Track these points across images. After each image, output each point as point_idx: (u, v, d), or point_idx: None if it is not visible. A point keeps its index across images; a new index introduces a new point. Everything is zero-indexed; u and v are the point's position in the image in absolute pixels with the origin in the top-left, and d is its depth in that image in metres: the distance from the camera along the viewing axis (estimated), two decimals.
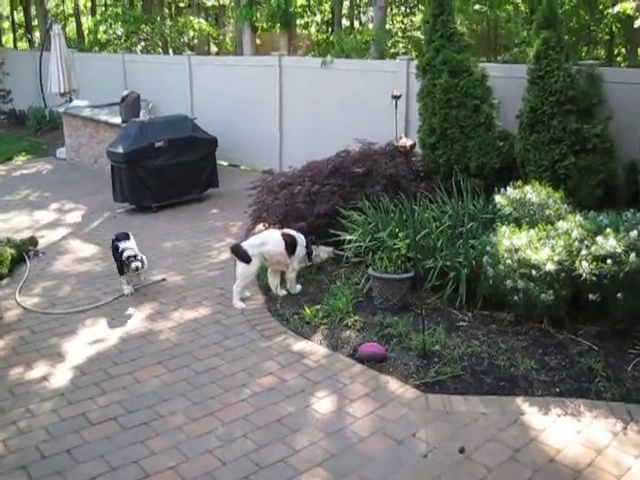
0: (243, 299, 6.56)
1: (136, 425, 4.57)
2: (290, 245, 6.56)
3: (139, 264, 6.61)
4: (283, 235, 6.61)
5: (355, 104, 10.15)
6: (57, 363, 5.47)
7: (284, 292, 6.67)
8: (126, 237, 6.98)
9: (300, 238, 6.69)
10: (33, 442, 4.40)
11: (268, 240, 6.57)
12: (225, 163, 12.51)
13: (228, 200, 10.39)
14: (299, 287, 6.74)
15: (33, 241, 8.25)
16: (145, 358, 5.52)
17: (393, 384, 5.02)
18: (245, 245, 6.57)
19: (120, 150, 9.68)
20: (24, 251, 7.94)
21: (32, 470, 4.11)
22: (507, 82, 7.85)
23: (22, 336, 5.96)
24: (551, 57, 6.84)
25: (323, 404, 4.79)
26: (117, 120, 11.68)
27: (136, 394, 4.97)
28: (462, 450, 4.23)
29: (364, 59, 13.24)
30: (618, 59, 17.09)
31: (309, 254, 6.81)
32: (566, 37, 7.10)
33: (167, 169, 9.88)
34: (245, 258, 6.46)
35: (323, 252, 7.25)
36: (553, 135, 6.88)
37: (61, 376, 5.26)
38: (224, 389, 5.01)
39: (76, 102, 13.88)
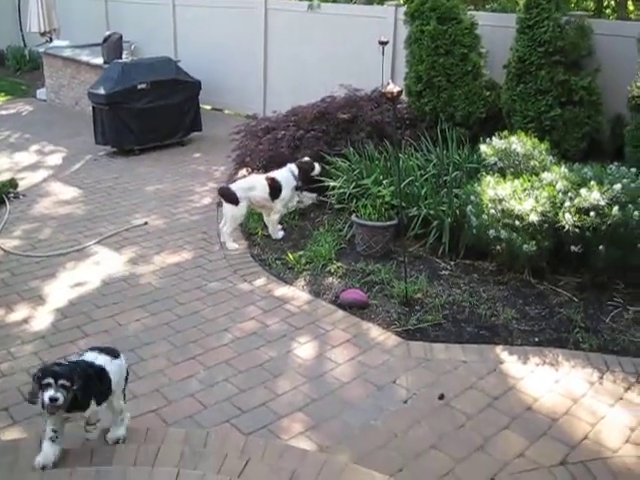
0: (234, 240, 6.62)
1: None
2: (273, 189, 6.56)
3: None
4: (267, 179, 6.61)
5: (341, 49, 10.00)
6: (38, 306, 5.45)
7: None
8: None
9: (285, 179, 6.67)
10: (15, 384, 4.40)
11: (255, 184, 6.60)
12: (208, 107, 12.34)
13: (211, 144, 10.28)
14: (281, 233, 6.74)
15: (13, 183, 8.14)
16: (127, 301, 5.51)
17: (374, 331, 5.06)
18: (234, 187, 6.57)
19: (102, 91, 9.51)
20: (4, 193, 7.85)
21: (14, 412, 4.12)
22: (496, 31, 7.77)
23: (2, 278, 5.93)
24: (541, 6, 6.76)
25: (305, 349, 4.83)
26: (99, 61, 11.43)
27: (118, 337, 4.97)
28: (442, 397, 4.28)
29: (352, 4, 13.02)
30: (607, 11, 16.91)
31: (309, 176, 6.86)
32: None
33: (150, 112, 9.73)
34: (233, 200, 6.48)
35: (307, 198, 7.26)
36: (540, 86, 6.84)
37: (42, 319, 5.25)
38: (206, 333, 5.03)
39: (57, 42, 13.57)
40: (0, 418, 4.07)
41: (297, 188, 6.82)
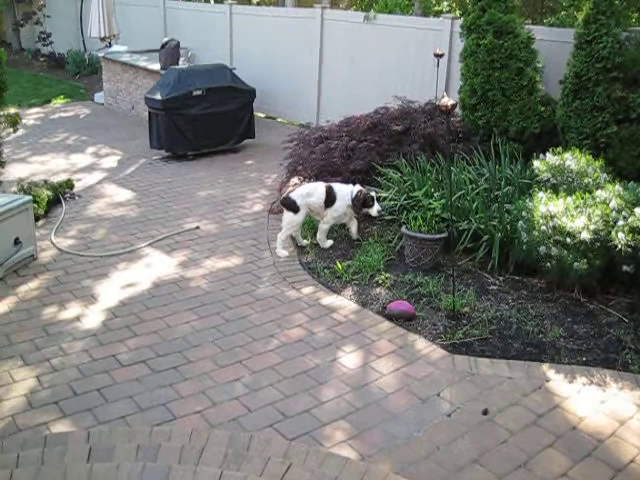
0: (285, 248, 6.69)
1: (165, 369, 4.66)
2: (329, 197, 6.61)
3: None
4: (326, 187, 6.68)
5: (396, 61, 10.03)
6: (90, 304, 5.57)
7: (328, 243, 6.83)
8: None
9: (342, 193, 6.65)
10: (65, 380, 4.51)
11: (313, 191, 6.65)
12: (262, 115, 12.48)
13: (264, 152, 10.38)
14: (329, 242, 6.77)
15: (69, 184, 8.34)
16: (176, 304, 5.60)
17: (420, 343, 5.05)
18: (293, 195, 6.63)
19: (158, 97, 9.69)
20: (60, 193, 8.05)
21: (64, 406, 4.22)
22: (553, 46, 7.71)
23: (56, 276, 6.07)
24: (600, 22, 6.67)
25: (350, 358, 4.84)
26: (156, 67, 11.66)
27: (166, 338, 5.05)
28: (486, 412, 4.25)
29: (408, 15, 13.03)
30: None
31: (361, 205, 6.65)
32: (617, 1, 6.90)
33: (204, 118, 9.88)
34: (293, 208, 6.56)
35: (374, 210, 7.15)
36: (596, 102, 6.74)
37: (93, 317, 5.36)
38: (253, 338, 5.08)
39: (115, 47, 13.89)
40: (51, 411, 4.17)
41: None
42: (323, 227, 6.73)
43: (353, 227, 6.85)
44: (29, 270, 6.17)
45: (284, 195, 6.89)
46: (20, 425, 4.04)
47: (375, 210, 6.64)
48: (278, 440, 3.95)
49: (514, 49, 7.38)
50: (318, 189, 6.67)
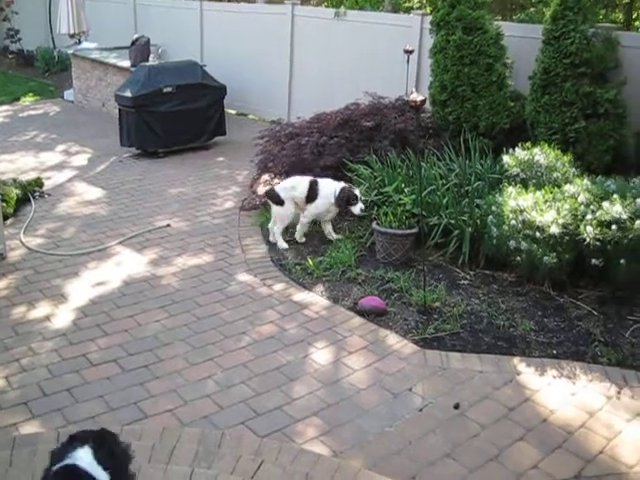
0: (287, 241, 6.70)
1: (136, 367, 4.63)
2: (311, 191, 6.56)
3: None
4: (310, 181, 6.63)
5: (367, 58, 10.04)
6: (60, 304, 5.51)
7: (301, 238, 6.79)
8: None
9: (326, 190, 6.53)
10: (35, 380, 4.45)
11: (297, 185, 6.62)
12: (233, 112, 12.42)
13: (235, 149, 10.34)
14: (300, 236, 6.77)
15: (39, 182, 8.24)
16: (147, 302, 5.56)
17: (392, 338, 5.07)
18: (277, 188, 6.65)
19: (128, 94, 9.61)
20: (29, 192, 7.94)
21: (33, 407, 4.18)
22: (522, 42, 7.77)
23: (26, 276, 6.00)
24: (568, 18, 6.74)
25: (322, 355, 4.84)
26: (126, 64, 11.56)
27: (137, 337, 5.02)
28: (457, 406, 4.28)
29: (378, 12, 13.05)
30: (637, 23, 16.81)
31: (345, 204, 6.50)
32: None
33: (175, 115, 9.81)
34: (278, 200, 6.57)
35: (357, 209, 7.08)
36: (565, 98, 6.81)
37: (63, 317, 5.31)
38: (224, 335, 5.06)
39: (85, 44, 13.76)
40: (20, 412, 4.12)
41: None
42: (303, 221, 6.69)
43: (329, 226, 6.78)
44: None
45: (269, 188, 6.89)
46: None
47: (358, 208, 6.49)
48: (250, 437, 3.94)
49: (483, 45, 7.43)
50: (302, 183, 6.63)
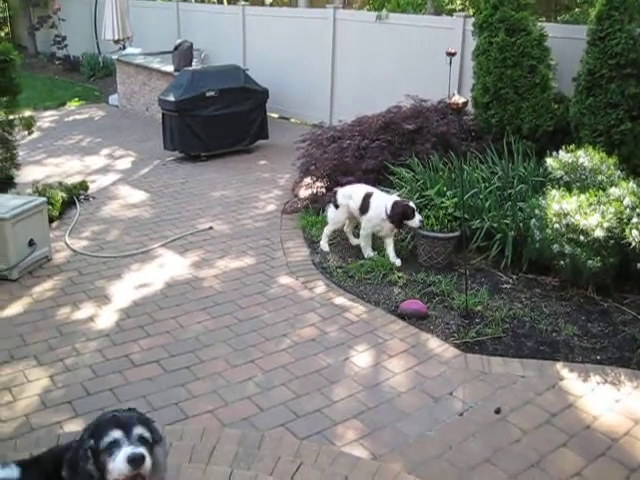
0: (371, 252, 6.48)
1: (178, 368, 4.67)
2: (364, 204, 6.38)
3: None
4: (365, 193, 6.42)
5: (409, 60, 10.01)
6: (103, 305, 5.60)
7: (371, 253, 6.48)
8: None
9: (377, 203, 6.28)
10: (78, 379, 4.53)
11: (353, 194, 6.49)
12: (275, 115, 12.50)
13: (277, 152, 10.39)
14: (369, 252, 6.45)
15: (84, 185, 8.38)
16: (189, 304, 5.62)
17: (433, 342, 5.04)
18: (339, 190, 6.58)
19: (172, 98, 9.73)
20: (75, 195, 8.08)
21: (77, 405, 4.24)
22: (566, 43, 7.65)
23: (70, 277, 6.10)
24: (614, 18, 6.62)
25: (362, 358, 4.83)
26: (169, 68, 11.71)
27: (179, 338, 5.07)
28: (498, 411, 4.23)
29: (420, 14, 13.00)
30: None
31: (400, 219, 6.17)
32: None
33: (217, 119, 9.90)
34: (334, 202, 6.54)
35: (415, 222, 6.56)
36: (610, 99, 6.70)
37: (107, 318, 5.38)
38: (265, 338, 5.08)
39: (129, 49, 13.95)
40: (64, 411, 4.19)
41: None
42: (362, 233, 6.48)
43: (389, 247, 6.39)
44: (43, 271, 6.21)
45: (335, 189, 6.79)
46: (34, 424, 4.06)
47: (417, 221, 6.15)
48: (289, 439, 3.95)
49: (526, 47, 7.34)
50: (358, 193, 6.46)
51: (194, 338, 5.08)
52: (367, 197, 6.38)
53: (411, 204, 6.20)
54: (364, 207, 6.37)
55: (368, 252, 6.44)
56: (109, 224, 7.43)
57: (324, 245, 6.64)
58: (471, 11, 12.20)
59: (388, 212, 6.18)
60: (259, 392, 4.42)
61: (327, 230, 6.66)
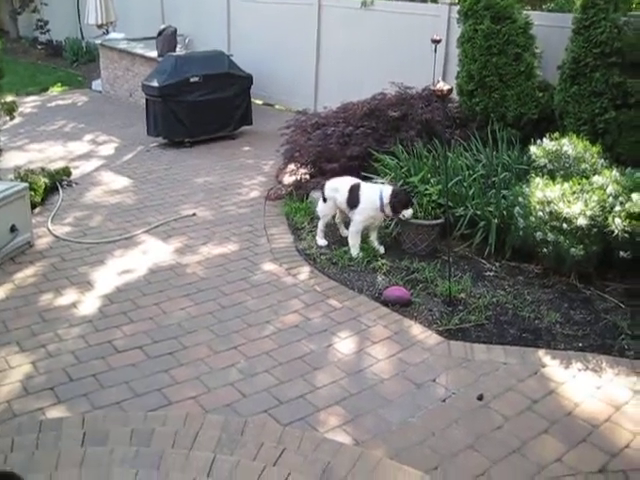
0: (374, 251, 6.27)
1: (161, 355, 4.66)
2: (351, 197, 6.16)
3: None
4: (351, 185, 6.21)
5: (394, 47, 9.98)
6: (86, 291, 5.57)
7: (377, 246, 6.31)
8: None
9: (368, 194, 6.08)
10: (61, 365, 4.51)
11: (339, 187, 6.28)
12: (260, 102, 12.43)
13: (261, 138, 10.35)
14: (356, 251, 6.17)
15: (67, 171, 8.31)
16: (172, 290, 5.60)
17: (416, 329, 5.05)
18: (326, 183, 6.41)
19: (155, 84, 9.65)
20: (57, 181, 8.02)
21: (59, 392, 4.23)
22: (551, 31, 7.66)
23: (53, 263, 6.06)
24: (599, 6, 6.62)
25: (345, 344, 4.84)
26: (153, 54, 11.61)
27: (162, 324, 5.05)
28: (481, 397, 4.25)
29: (405, 1, 12.96)
30: None
31: (401, 207, 5.99)
32: None
33: (201, 105, 9.84)
34: (322, 196, 6.39)
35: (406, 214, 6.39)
36: (594, 88, 6.71)
37: (89, 304, 5.36)
38: (248, 324, 5.07)
39: (113, 34, 13.81)
40: (46, 397, 4.17)
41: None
42: (352, 230, 6.21)
43: (373, 234, 6.32)
44: (25, 257, 6.16)
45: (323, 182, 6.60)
46: (16, 410, 4.04)
47: (410, 212, 6.04)
48: (272, 425, 3.95)
49: (512, 34, 7.34)
50: (344, 185, 6.25)
51: (177, 324, 5.06)
52: (354, 189, 6.16)
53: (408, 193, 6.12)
54: (352, 200, 6.14)
55: (355, 252, 6.17)
56: (92, 210, 7.38)
57: (320, 240, 6.45)
58: None
59: (386, 200, 5.97)
60: (242, 378, 4.42)
61: (320, 225, 6.46)
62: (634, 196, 5.33)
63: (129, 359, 4.60)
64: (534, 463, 3.70)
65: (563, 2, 12.21)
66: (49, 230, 6.76)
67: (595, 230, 5.37)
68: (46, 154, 9.48)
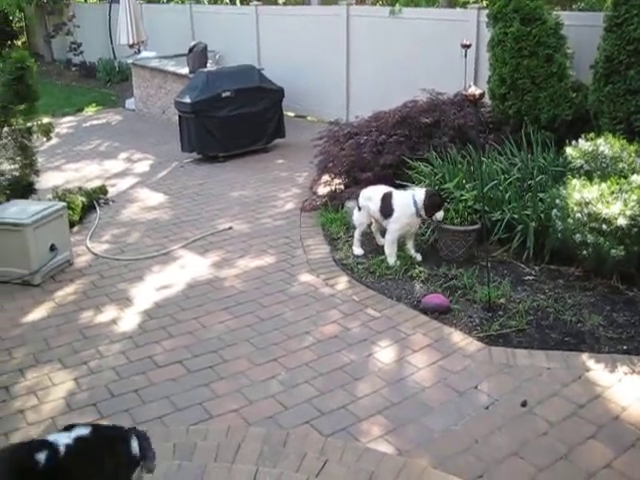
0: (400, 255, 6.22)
1: (201, 369, 4.68)
2: (384, 206, 6.14)
3: None
4: (384, 193, 6.19)
5: (424, 54, 9.96)
6: (125, 307, 5.62)
7: (414, 255, 6.26)
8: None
9: (401, 201, 6.06)
10: (103, 382, 4.55)
11: (372, 196, 6.25)
12: (292, 114, 12.49)
13: (294, 151, 10.38)
14: (392, 259, 6.12)
15: (103, 190, 8.42)
16: (211, 304, 5.62)
17: (456, 336, 5.00)
18: (361, 193, 6.39)
19: (187, 100, 9.75)
20: (94, 199, 8.13)
21: (102, 407, 4.26)
22: (582, 30, 7.58)
23: (92, 281, 6.13)
24: (630, 3, 6.51)
25: (385, 353, 4.81)
26: (185, 71, 11.74)
27: (202, 339, 5.07)
28: (524, 404, 4.19)
29: (433, 8, 12.93)
30: None
31: (436, 209, 5.99)
32: None
33: (234, 119, 9.91)
34: (358, 205, 6.39)
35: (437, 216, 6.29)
36: (629, 86, 6.61)
37: (129, 320, 5.40)
38: (288, 336, 5.07)
39: (144, 53, 14.02)
40: (89, 413, 4.21)
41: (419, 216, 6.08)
42: (388, 239, 6.17)
43: (410, 242, 6.26)
44: (65, 275, 6.25)
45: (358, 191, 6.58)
46: (60, 427, 4.05)
47: (441, 214, 6.06)
48: (314, 436, 3.93)
49: (542, 36, 7.27)
50: (376, 194, 6.22)
51: (217, 338, 5.08)
52: (386, 198, 6.14)
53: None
54: (385, 209, 6.13)
55: (392, 260, 6.12)
56: (129, 227, 7.46)
57: (357, 250, 6.42)
58: (484, 2, 12.11)
59: (422, 204, 5.95)
60: (283, 390, 4.41)
61: (356, 234, 6.44)
62: None
63: (169, 374, 4.63)
64: (582, 470, 3.63)
65: (593, 1, 12.10)
66: (88, 248, 6.85)
67: (636, 230, 5.26)
68: (82, 173, 9.63)
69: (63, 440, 2.86)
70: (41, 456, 2.69)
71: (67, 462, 2.77)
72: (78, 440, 2.88)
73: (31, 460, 2.67)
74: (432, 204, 5.97)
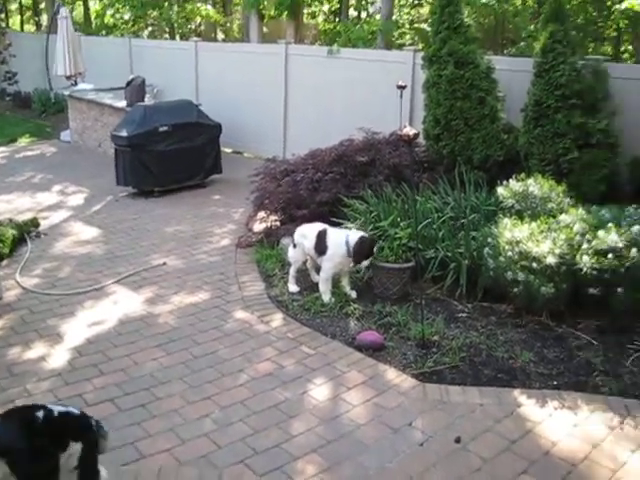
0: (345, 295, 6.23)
1: (133, 407, 4.58)
2: (318, 243, 6.16)
3: None
4: (318, 231, 6.20)
5: (361, 94, 10.12)
6: (55, 344, 5.47)
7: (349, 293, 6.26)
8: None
9: (335, 240, 6.06)
10: None
11: (308, 233, 6.28)
12: (229, 150, 12.49)
13: (231, 186, 10.37)
14: (328, 297, 6.12)
15: (35, 222, 8.25)
16: (144, 341, 5.52)
17: (391, 373, 5.02)
18: (297, 229, 6.41)
19: (124, 134, 9.67)
20: (26, 232, 7.95)
21: None
22: (513, 75, 7.83)
23: (21, 316, 5.97)
24: (557, 51, 6.81)
25: (320, 391, 4.80)
26: (122, 104, 11.65)
27: (134, 376, 4.97)
28: (458, 440, 4.23)
29: (371, 49, 13.18)
30: (625, 55, 17.05)
31: (366, 255, 5.98)
32: (573, 32, 7.06)
33: (171, 154, 9.86)
34: (293, 242, 6.39)
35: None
36: (557, 129, 6.86)
37: (59, 356, 5.27)
38: (222, 373, 5.01)
39: (81, 85, 13.88)
40: None
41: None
42: (322, 277, 6.17)
43: (345, 279, 6.28)
44: None
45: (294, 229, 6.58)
46: None
47: (366, 263, 6.08)
48: (249, 476, 3.88)
49: (475, 79, 7.50)
50: (312, 231, 6.24)
51: (149, 375, 4.99)
52: (321, 235, 6.15)
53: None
54: (320, 247, 6.13)
55: (327, 298, 6.11)
56: (61, 261, 7.30)
57: (292, 287, 6.41)
58: (420, 45, 12.41)
59: (353, 248, 5.94)
60: (216, 429, 4.35)
61: (291, 271, 6.44)
62: (600, 233, 5.41)
63: (100, 412, 4.48)
64: None
65: (523, 47, 12.55)
66: (17, 282, 6.67)
67: (564, 268, 5.42)
68: (14, 205, 9.41)
69: (56, 407, 3.48)
70: (39, 414, 3.33)
71: (60, 420, 3.39)
72: (66, 411, 3.51)
73: (33, 415, 3.32)
74: (361, 251, 5.96)
